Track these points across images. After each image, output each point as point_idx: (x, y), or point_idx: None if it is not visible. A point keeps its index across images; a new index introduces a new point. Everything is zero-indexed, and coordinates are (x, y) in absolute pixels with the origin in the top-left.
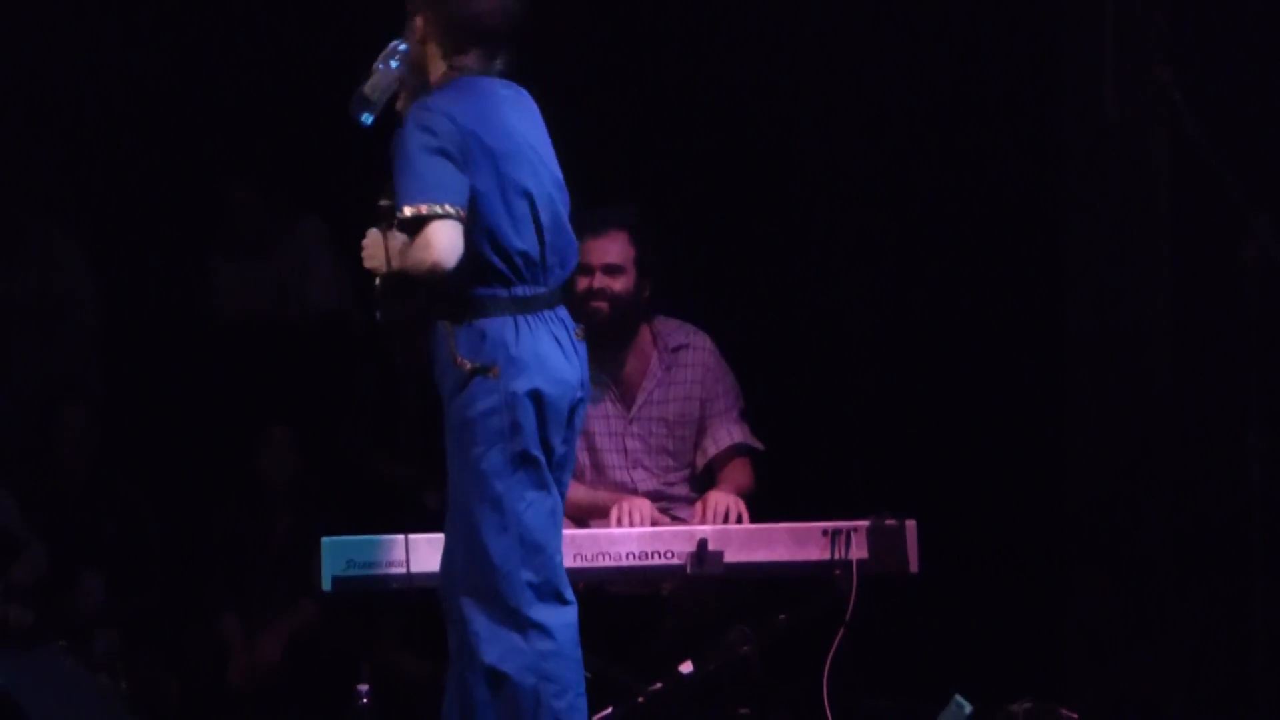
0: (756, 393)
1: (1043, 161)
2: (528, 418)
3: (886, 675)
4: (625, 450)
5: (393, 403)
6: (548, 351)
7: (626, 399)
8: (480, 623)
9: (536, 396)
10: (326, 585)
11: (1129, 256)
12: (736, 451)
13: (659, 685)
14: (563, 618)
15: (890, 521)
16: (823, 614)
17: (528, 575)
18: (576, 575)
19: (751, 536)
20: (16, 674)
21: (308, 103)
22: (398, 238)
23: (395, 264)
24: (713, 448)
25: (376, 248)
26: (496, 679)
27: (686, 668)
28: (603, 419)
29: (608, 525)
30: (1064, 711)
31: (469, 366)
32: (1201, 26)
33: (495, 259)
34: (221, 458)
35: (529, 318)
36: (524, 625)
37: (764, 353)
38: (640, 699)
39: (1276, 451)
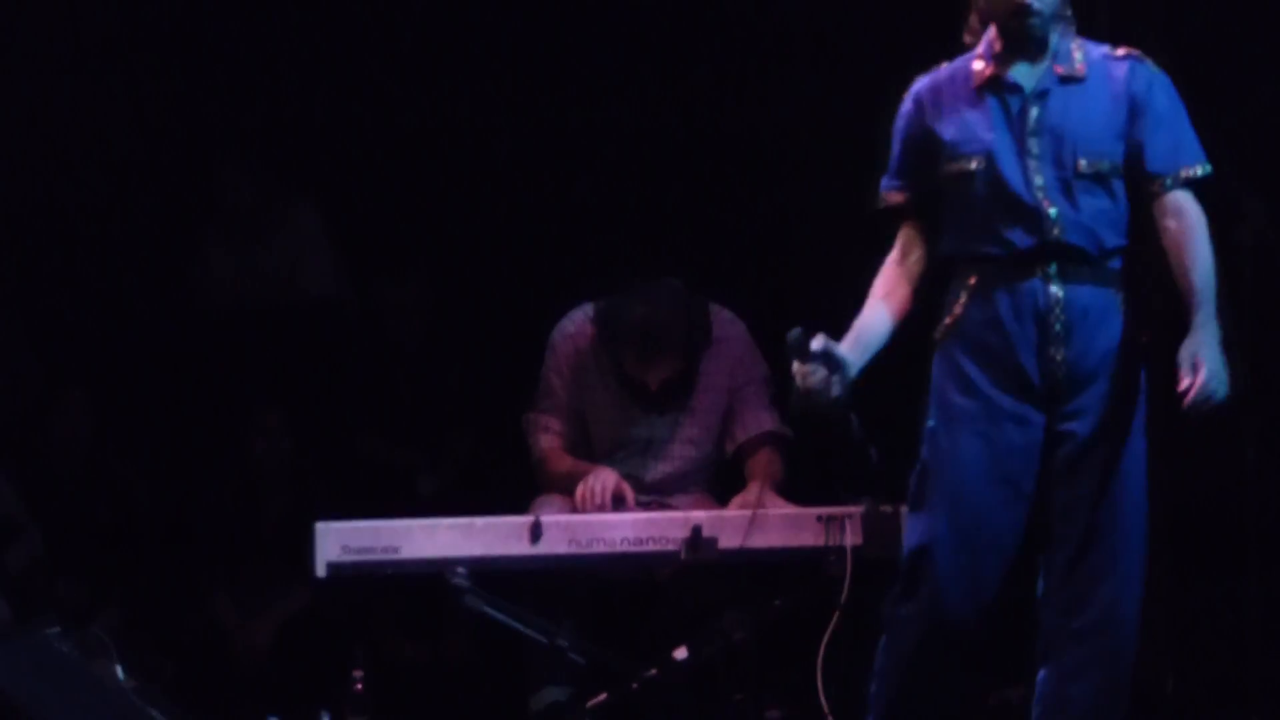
0: None
1: None
2: None
3: None
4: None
5: (387, 387)
6: None
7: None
8: None
9: None
10: (320, 571)
11: None
12: (766, 440)
13: (653, 671)
14: None
15: (885, 507)
16: (817, 599)
17: None
18: (571, 562)
19: (746, 522)
20: (6, 663)
21: (304, 88)
22: None
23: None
24: (742, 434)
25: None
26: None
27: (681, 654)
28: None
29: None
30: None
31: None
32: (1195, 11)
33: None
34: (215, 441)
35: None
36: None
37: (758, 338)
38: (635, 685)
39: (1272, 436)
